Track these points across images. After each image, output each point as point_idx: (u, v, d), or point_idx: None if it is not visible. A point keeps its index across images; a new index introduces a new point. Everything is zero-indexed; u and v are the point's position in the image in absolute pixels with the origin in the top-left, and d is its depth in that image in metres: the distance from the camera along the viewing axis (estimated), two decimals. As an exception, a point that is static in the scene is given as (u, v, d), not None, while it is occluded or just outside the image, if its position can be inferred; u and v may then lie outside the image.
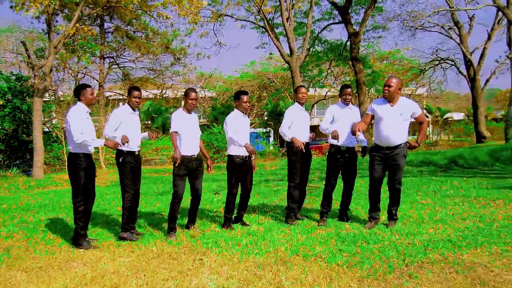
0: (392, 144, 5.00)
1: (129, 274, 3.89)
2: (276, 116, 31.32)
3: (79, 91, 4.98)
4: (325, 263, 3.91)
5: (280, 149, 22.51)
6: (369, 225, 5.17)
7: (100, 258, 4.55)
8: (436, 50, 25.80)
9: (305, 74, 34.77)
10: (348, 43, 22.73)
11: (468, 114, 39.96)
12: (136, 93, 5.34)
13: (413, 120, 5.11)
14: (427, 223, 5.17)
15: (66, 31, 13.69)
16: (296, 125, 5.73)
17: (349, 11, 22.46)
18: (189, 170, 5.30)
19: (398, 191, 5.13)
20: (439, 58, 26.05)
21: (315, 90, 35.97)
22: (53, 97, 27.96)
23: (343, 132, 5.47)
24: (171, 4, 14.51)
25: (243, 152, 5.47)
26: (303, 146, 5.46)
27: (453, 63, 25.47)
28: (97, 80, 28.63)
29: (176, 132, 5.23)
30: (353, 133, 4.98)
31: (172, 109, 36.65)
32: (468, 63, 23.39)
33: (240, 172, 5.53)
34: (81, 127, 4.81)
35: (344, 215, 5.69)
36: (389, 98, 5.03)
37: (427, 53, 27.99)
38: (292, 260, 4.04)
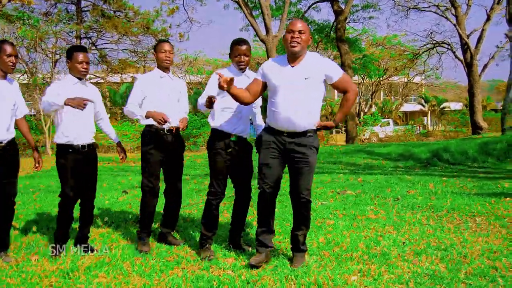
0: (296, 128, 3.07)
1: None
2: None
3: None
4: None
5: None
6: (256, 258, 3.20)
7: None
8: (431, 33, 23.59)
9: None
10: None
11: (466, 104, 37.75)
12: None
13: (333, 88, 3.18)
14: (355, 259, 3.20)
15: (-8, -3, 11.65)
16: (152, 100, 3.72)
17: (336, -13, 20.36)
18: None
19: (306, 205, 3.16)
20: (434, 42, 23.85)
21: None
22: (31, 79, 25.97)
23: (235, 112, 3.54)
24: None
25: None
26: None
27: (449, 47, 23.29)
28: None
29: None
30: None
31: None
32: (464, 46, 21.22)
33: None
34: None
35: (236, 240, 3.73)
36: (299, 53, 3.12)
37: (421, 36, 25.65)
38: None
